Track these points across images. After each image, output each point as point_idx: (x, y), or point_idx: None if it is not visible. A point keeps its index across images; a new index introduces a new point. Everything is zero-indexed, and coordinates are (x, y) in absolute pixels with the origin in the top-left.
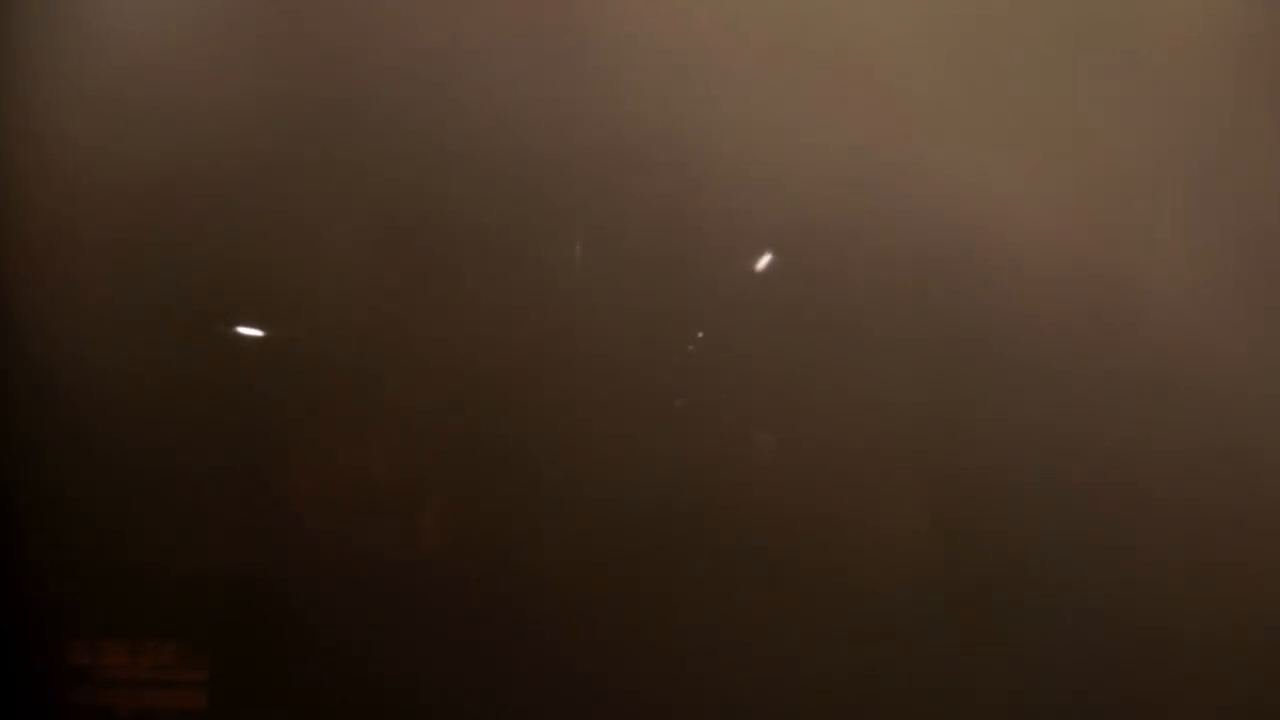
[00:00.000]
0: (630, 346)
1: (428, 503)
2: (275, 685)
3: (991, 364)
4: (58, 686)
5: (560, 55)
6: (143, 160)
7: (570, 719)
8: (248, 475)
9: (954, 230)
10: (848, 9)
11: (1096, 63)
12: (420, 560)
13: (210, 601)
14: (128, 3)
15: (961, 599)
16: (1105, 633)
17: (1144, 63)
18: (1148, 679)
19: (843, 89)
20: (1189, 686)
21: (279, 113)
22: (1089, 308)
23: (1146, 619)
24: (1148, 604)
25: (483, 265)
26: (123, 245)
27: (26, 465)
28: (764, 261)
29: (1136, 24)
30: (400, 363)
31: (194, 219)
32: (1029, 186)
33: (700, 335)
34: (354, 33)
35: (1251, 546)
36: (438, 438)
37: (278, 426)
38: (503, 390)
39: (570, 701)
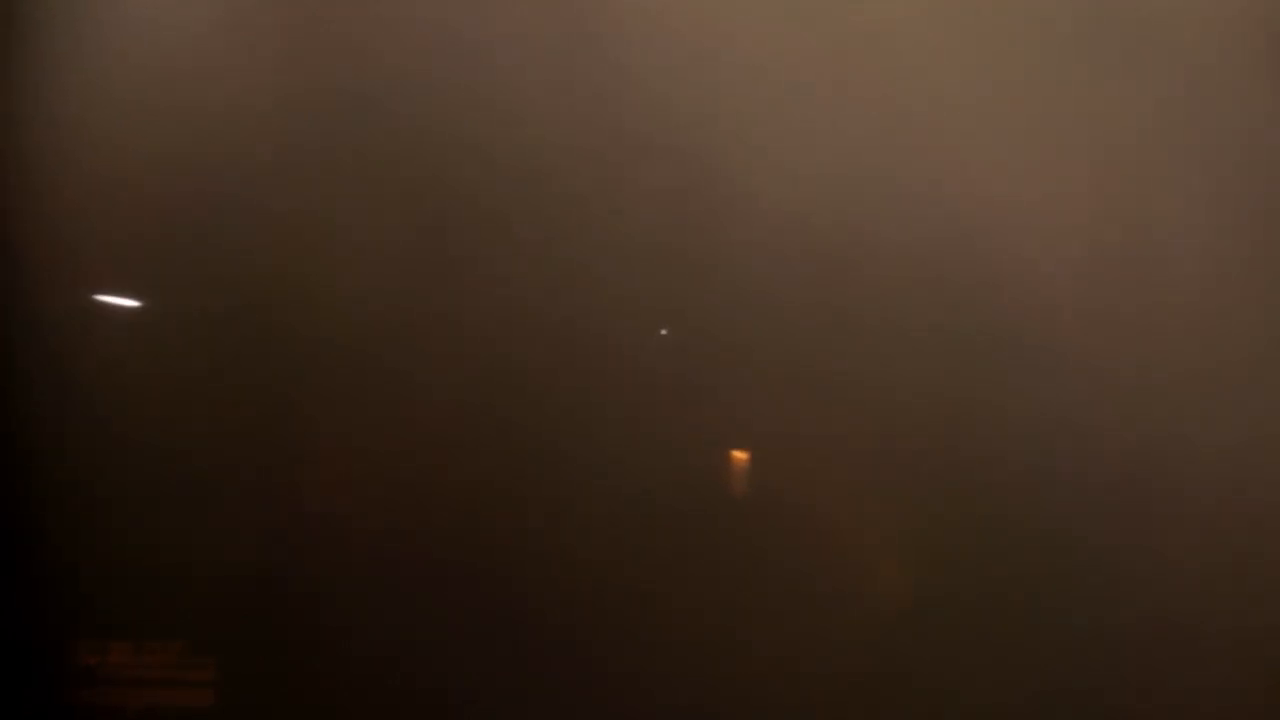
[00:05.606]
0: (647, 340)
1: (442, 498)
2: (285, 684)
3: (1009, 355)
4: (65, 685)
5: (577, 48)
6: (163, 156)
7: (579, 714)
8: (261, 473)
9: (971, 219)
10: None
11: (1112, 48)
12: (433, 557)
13: (220, 600)
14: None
15: (980, 596)
16: (1128, 630)
17: (1159, 48)
18: (1168, 678)
19: (856, 79)
20: (1212, 687)
21: (298, 108)
22: (1109, 296)
23: (1171, 615)
24: (1173, 599)
25: (503, 260)
26: (144, 241)
27: (39, 463)
28: (782, 254)
29: (1151, 9)
30: (417, 359)
31: (213, 215)
32: (1046, 174)
33: (717, 329)
34: (371, 28)
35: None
36: (454, 433)
37: (291, 423)
38: (519, 386)
39: (581, 697)
